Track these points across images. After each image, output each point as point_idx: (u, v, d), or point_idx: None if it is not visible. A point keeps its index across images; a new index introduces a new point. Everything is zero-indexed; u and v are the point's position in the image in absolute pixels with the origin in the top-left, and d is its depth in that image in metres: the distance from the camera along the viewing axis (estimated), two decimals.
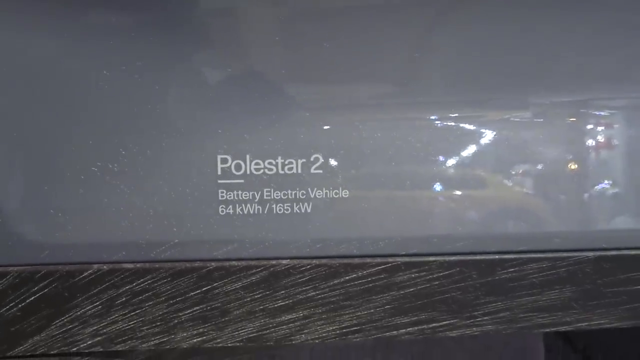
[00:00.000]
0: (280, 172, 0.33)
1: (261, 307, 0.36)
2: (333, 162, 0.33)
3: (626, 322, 0.40)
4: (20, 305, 0.34)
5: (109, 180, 0.32)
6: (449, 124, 0.35)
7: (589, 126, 0.36)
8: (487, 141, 0.35)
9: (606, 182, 0.36)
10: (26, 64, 0.32)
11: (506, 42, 0.35)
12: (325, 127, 0.34)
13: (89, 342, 0.36)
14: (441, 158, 0.34)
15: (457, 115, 0.35)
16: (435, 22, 0.35)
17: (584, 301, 0.38)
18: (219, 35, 0.34)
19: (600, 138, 0.36)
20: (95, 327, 0.35)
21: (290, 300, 0.36)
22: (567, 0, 0.35)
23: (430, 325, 0.38)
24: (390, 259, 0.35)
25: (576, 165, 0.36)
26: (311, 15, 0.33)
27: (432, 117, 0.35)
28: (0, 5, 0.31)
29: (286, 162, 0.33)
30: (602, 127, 0.36)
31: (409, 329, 0.38)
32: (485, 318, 0.38)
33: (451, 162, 0.35)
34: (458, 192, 0.35)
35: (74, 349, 0.36)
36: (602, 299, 0.38)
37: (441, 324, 0.38)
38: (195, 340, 0.37)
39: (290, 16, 0.33)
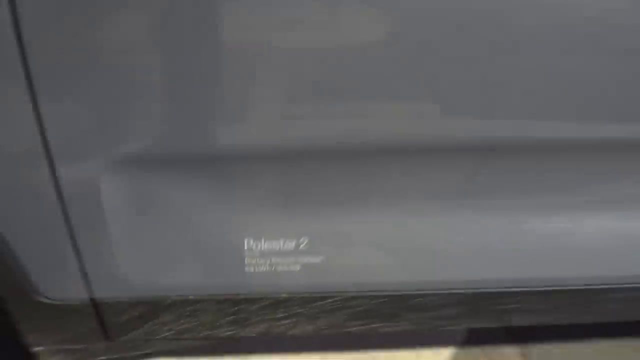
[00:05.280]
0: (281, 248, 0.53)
1: (268, 317, 0.58)
2: (315, 242, 0.53)
3: None
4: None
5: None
6: None
7: None
8: None
9: None
10: None
11: None
12: (310, 220, 0.53)
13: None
14: None
15: None
16: None
17: None
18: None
19: None
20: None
21: (287, 313, 0.58)
22: None
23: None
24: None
25: None
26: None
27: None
28: None
29: (284, 242, 0.53)
30: None
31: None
32: None
33: None
34: None
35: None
36: None
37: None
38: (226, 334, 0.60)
39: None
